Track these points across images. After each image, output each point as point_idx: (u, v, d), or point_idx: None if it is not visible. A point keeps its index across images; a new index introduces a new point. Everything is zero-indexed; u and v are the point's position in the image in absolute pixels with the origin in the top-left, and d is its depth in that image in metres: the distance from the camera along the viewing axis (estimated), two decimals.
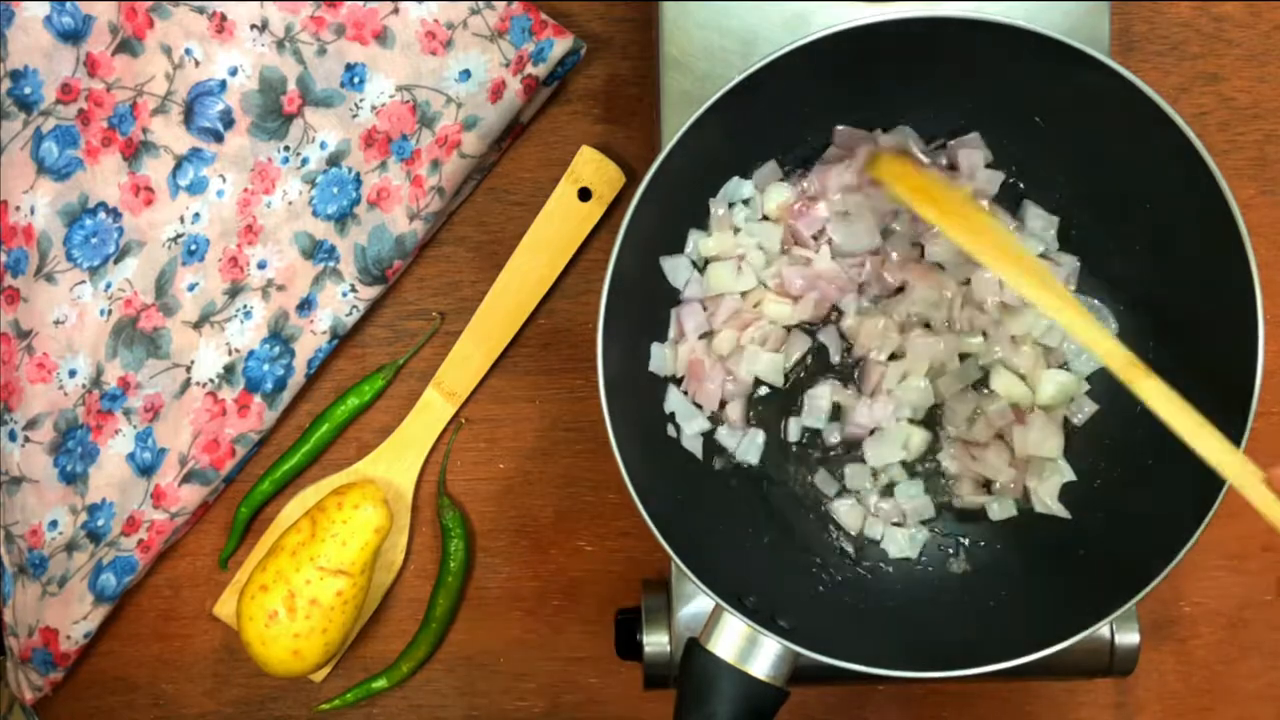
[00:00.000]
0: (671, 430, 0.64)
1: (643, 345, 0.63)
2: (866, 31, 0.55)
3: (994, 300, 0.64)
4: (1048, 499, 0.63)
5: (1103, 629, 0.59)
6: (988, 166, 0.63)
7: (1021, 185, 0.64)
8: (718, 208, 0.63)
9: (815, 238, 0.64)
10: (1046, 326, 0.64)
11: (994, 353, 0.64)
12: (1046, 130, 0.61)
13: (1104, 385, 0.64)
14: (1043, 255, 0.64)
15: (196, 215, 0.70)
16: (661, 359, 0.63)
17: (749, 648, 0.56)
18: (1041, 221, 0.63)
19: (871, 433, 0.65)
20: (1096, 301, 0.63)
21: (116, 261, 0.70)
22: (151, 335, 0.71)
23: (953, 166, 0.63)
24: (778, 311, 0.64)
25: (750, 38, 0.64)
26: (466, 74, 0.70)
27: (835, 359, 0.65)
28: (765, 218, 0.64)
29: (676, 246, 0.64)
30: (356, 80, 0.70)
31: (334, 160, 0.71)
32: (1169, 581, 0.55)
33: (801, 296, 0.64)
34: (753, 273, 0.64)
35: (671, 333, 0.64)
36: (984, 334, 0.64)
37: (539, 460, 0.75)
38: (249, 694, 0.75)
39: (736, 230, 0.64)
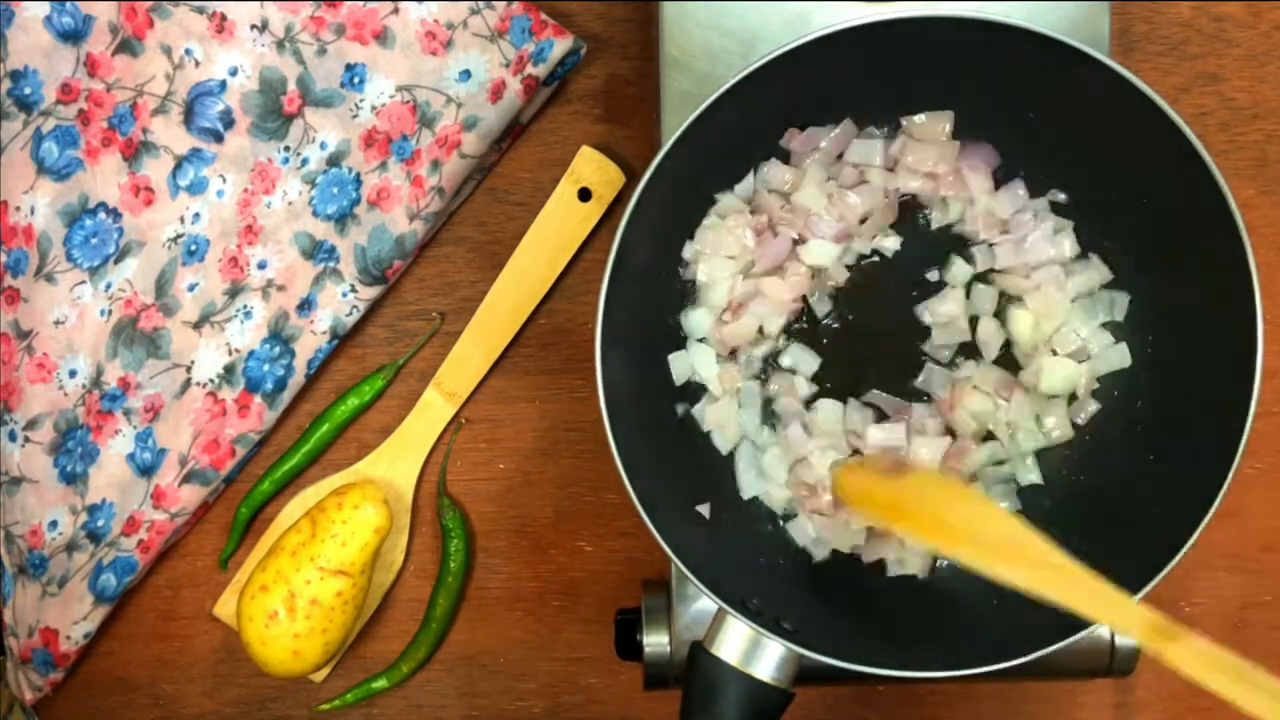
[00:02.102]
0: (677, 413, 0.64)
1: (643, 344, 0.63)
2: (866, 31, 0.55)
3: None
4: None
5: (1103, 629, 0.59)
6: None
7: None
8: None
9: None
10: (1055, 328, 0.64)
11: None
12: (1046, 130, 0.61)
13: (1107, 384, 0.64)
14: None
15: (196, 215, 0.70)
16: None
17: (753, 650, 0.56)
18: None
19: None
20: (1110, 290, 0.63)
21: (116, 262, 0.70)
22: (151, 335, 0.71)
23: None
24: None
25: (750, 38, 0.64)
26: (466, 74, 0.70)
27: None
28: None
29: (676, 246, 0.64)
30: (356, 80, 0.70)
31: (334, 160, 0.71)
32: (1169, 581, 0.55)
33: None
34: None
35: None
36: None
37: (539, 460, 0.75)
38: (249, 694, 0.75)
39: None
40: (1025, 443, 0.64)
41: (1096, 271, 0.63)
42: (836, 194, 0.63)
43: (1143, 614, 0.47)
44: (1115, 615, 0.47)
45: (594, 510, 0.75)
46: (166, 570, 0.75)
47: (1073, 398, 0.64)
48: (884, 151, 0.63)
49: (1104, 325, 0.63)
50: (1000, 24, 0.54)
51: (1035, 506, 0.64)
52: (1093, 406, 0.64)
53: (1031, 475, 0.64)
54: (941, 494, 0.56)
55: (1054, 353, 0.63)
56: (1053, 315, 0.63)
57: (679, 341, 0.65)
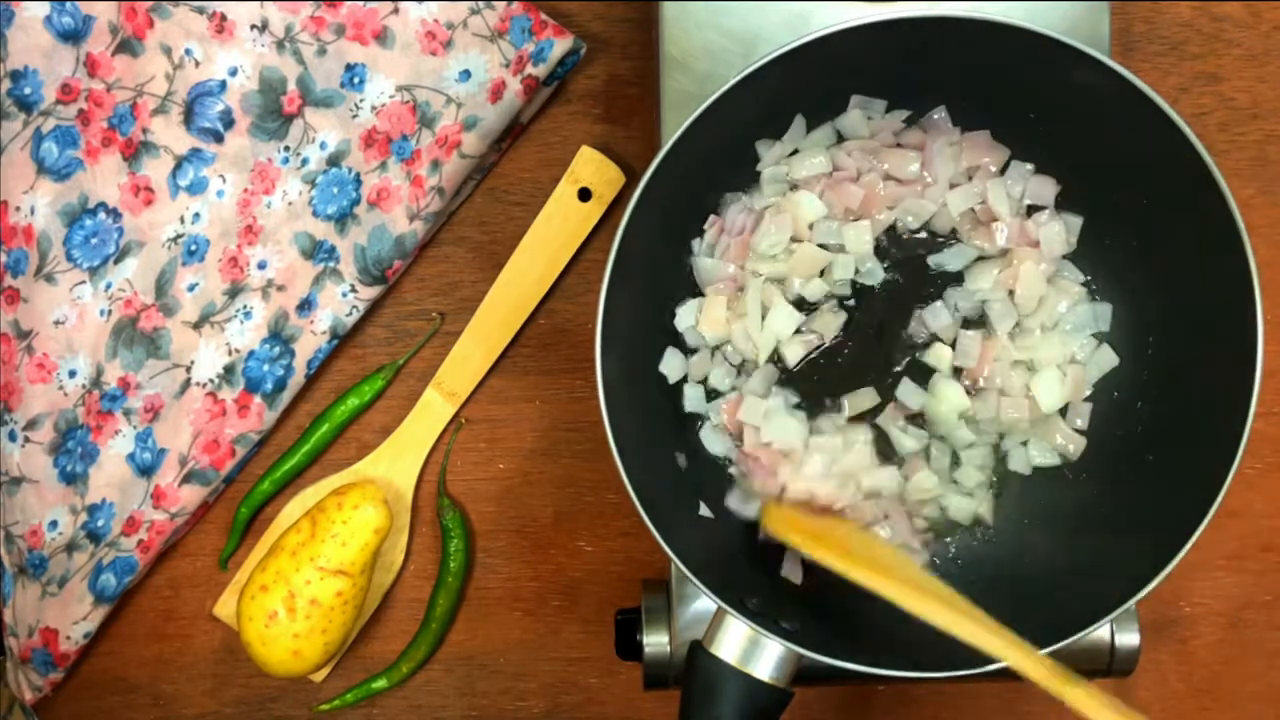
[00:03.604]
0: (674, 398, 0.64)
1: (643, 344, 0.63)
2: (866, 31, 0.55)
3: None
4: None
5: (1103, 629, 0.59)
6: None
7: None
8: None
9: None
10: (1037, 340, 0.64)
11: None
12: (1045, 130, 0.61)
13: (1105, 383, 0.64)
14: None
15: (196, 215, 0.70)
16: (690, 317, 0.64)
17: (752, 649, 0.57)
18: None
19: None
20: (1099, 302, 0.63)
21: (116, 262, 0.70)
22: (151, 335, 0.71)
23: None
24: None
25: (750, 38, 0.64)
26: (466, 74, 0.70)
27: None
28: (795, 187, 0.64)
29: (676, 246, 0.64)
30: (356, 80, 0.70)
31: (334, 160, 0.71)
32: (1169, 581, 0.55)
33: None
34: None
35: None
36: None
37: (539, 460, 0.75)
38: (249, 694, 0.75)
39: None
40: (1039, 459, 0.64)
41: (1066, 295, 0.63)
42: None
43: (1041, 660, 0.51)
44: (1017, 657, 0.51)
45: (594, 510, 0.75)
46: (166, 570, 0.75)
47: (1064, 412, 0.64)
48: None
49: (1093, 335, 0.63)
50: (1000, 24, 0.54)
51: (1033, 509, 0.64)
52: (1086, 410, 0.63)
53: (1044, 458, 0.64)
54: (860, 537, 0.61)
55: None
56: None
57: (678, 341, 0.64)
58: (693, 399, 0.64)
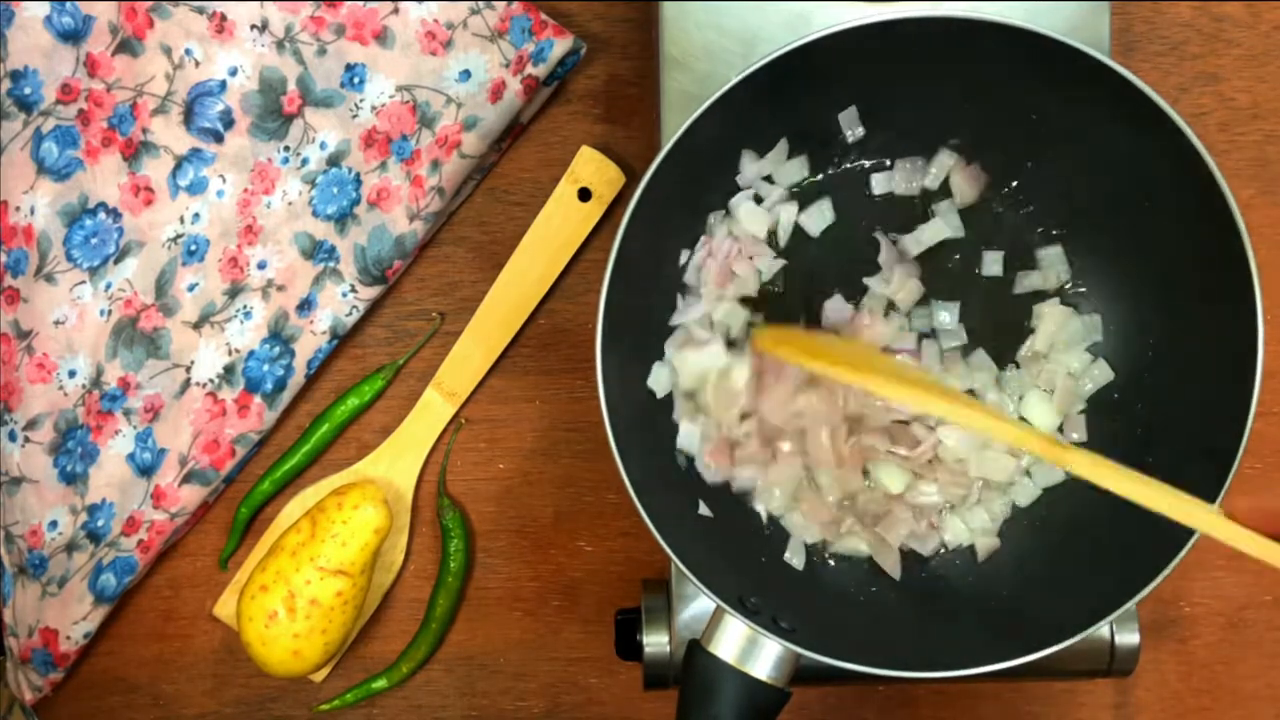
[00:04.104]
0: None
1: (643, 345, 0.63)
2: (867, 31, 0.55)
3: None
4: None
5: (1103, 629, 0.59)
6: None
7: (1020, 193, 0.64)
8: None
9: None
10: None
11: None
12: (1046, 130, 0.61)
13: (1106, 387, 0.64)
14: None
15: (196, 215, 0.70)
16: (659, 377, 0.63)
17: (750, 649, 0.56)
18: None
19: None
20: (1091, 314, 0.63)
21: (116, 262, 0.70)
22: (151, 335, 0.71)
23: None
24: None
25: (751, 38, 0.64)
26: (466, 74, 0.70)
27: None
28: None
29: (677, 246, 0.64)
30: (356, 80, 0.70)
31: (334, 160, 0.71)
32: (1169, 581, 0.55)
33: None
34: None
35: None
36: None
37: (539, 460, 0.75)
38: (249, 694, 0.75)
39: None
40: (1041, 480, 0.64)
41: (1051, 318, 0.64)
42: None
43: (1039, 433, 0.52)
44: (1015, 435, 0.51)
45: (594, 510, 0.75)
46: (166, 570, 0.75)
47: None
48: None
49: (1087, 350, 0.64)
50: (1000, 24, 0.54)
51: (1034, 509, 0.64)
52: (1081, 422, 0.64)
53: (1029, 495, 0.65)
54: (854, 347, 0.62)
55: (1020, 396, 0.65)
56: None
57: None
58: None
